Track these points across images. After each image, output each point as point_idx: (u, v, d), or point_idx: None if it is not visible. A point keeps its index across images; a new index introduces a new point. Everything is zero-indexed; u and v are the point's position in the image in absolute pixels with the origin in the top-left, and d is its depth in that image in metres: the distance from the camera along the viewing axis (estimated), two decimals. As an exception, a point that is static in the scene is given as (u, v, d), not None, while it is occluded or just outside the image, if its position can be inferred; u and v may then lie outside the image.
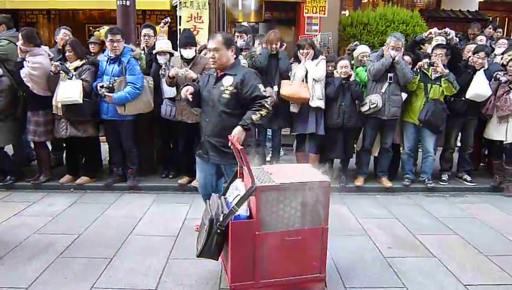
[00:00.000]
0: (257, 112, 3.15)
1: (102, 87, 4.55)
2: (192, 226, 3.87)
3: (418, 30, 7.24)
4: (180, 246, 3.60)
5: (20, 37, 4.63)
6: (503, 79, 4.98)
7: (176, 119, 4.83)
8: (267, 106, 3.18)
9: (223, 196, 3.06)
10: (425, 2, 10.62)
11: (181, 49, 4.63)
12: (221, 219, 2.70)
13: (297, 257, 2.77)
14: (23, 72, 4.59)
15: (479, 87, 4.99)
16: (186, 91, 3.34)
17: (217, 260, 2.94)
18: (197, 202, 4.63)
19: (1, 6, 7.21)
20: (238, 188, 2.94)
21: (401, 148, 5.49)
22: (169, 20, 5.66)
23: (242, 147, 2.70)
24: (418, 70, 5.00)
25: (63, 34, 5.17)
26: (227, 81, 3.24)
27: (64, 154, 5.40)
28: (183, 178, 5.10)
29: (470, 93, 5.02)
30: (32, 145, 5.33)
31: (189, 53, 4.58)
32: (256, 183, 2.63)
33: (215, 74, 3.36)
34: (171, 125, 4.97)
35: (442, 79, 4.88)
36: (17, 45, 4.71)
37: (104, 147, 5.36)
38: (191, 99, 3.36)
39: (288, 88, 4.94)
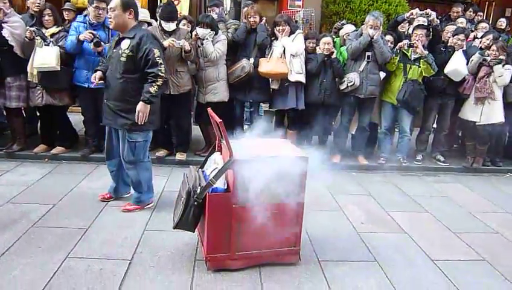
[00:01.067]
0: (153, 84, 3.26)
1: (91, 34, 4.30)
2: (170, 198, 3.87)
3: (401, 10, 7.26)
4: (156, 218, 3.60)
5: None
6: (488, 59, 5.07)
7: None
8: (161, 74, 3.26)
9: (200, 169, 3.06)
10: (409, -19, 10.58)
11: (162, 22, 4.54)
12: (198, 191, 2.70)
13: (273, 231, 2.80)
14: (5, 32, 4.40)
15: (457, 64, 5.10)
16: (95, 78, 3.40)
17: (194, 232, 2.96)
18: (174, 175, 4.64)
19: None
20: (216, 161, 2.94)
21: (378, 128, 5.57)
22: None
23: (221, 121, 2.68)
24: (398, 50, 5.04)
25: None
26: (125, 44, 3.26)
27: (39, 124, 5.26)
28: (161, 151, 5.06)
29: (448, 69, 5.12)
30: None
31: (170, 26, 4.54)
32: (234, 156, 2.63)
33: (117, 36, 3.41)
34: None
35: (421, 60, 4.93)
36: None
37: (79, 118, 5.23)
38: (101, 83, 3.43)
39: (266, 65, 4.93)
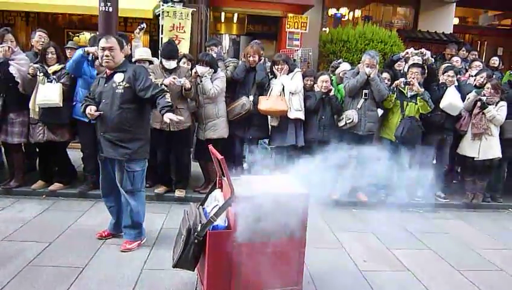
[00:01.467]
0: (164, 97, 3.35)
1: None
2: (169, 235, 3.81)
3: (396, 49, 7.47)
4: (155, 256, 3.53)
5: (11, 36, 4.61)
6: (484, 98, 5.16)
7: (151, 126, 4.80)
8: (165, 90, 3.47)
9: (201, 206, 3.03)
10: (402, 22, 10.98)
11: (163, 60, 4.65)
12: (199, 228, 2.66)
13: (274, 269, 2.75)
14: (12, 69, 4.48)
15: (451, 98, 5.20)
16: (91, 110, 3.45)
17: (193, 270, 2.90)
18: (173, 212, 4.59)
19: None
20: (216, 198, 2.92)
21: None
22: (145, 26, 5.65)
23: (222, 157, 2.69)
24: (395, 88, 5.14)
25: (38, 37, 5.04)
26: (118, 77, 3.42)
27: (38, 160, 5.25)
28: (160, 187, 5.03)
29: (443, 103, 5.20)
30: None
31: (171, 64, 4.64)
32: (235, 193, 2.62)
33: (104, 74, 3.56)
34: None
35: (418, 97, 5.02)
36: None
37: (78, 155, 5.22)
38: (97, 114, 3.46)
39: (265, 103, 4.99)
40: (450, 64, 5.75)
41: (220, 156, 2.70)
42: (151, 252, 3.61)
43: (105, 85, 3.46)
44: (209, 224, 2.64)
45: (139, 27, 5.50)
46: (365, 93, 5.00)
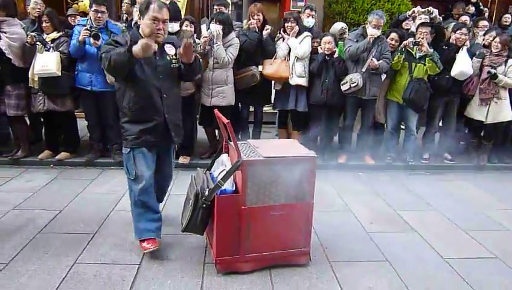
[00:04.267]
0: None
1: (88, 30, 4.34)
2: (176, 201, 3.84)
3: (404, 9, 7.23)
4: (163, 222, 3.55)
5: None
6: (493, 71, 5.00)
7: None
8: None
9: (208, 171, 3.03)
10: (410, -20, 10.57)
11: None
12: (206, 193, 2.67)
13: (282, 232, 2.78)
14: (2, 44, 4.39)
15: (463, 66, 5.02)
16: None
17: (202, 234, 2.94)
18: (180, 179, 4.59)
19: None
20: (223, 163, 2.91)
21: (384, 127, 5.53)
22: None
23: (228, 121, 2.66)
24: (403, 49, 5.00)
25: (34, 3, 4.90)
26: (171, 50, 2.93)
27: (43, 130, 5.25)
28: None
29: (454, 72, 5.05)
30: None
31: (174, 26, 4.51)
32: (242, 157, 2.61)
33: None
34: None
35: (427, 58, 4.89)
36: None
37: (82, 123, 5.21)
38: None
39: (269, 68, 4.91)
40: (460, 22, 5.55)
41: (226, 120, 2.67)
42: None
43: (157, 58, 2.85)
44: (217, 188, 2.64)
45: None
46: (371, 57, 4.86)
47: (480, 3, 7.27)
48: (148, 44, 2.55)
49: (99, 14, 4.44)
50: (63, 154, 4.95)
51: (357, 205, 4.11)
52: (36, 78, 4.51)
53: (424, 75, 4.98)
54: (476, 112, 5.26)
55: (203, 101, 4.85)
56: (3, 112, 4.78)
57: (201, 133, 5.37)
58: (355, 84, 4.84)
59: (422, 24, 5.04)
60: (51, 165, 4.89)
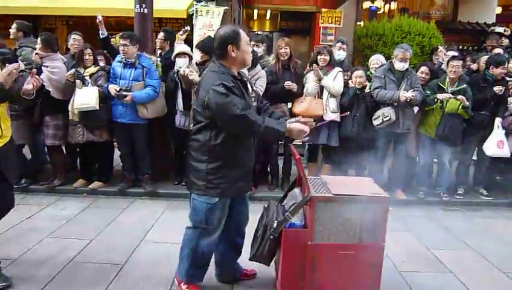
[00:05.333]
0: None
1: (120, 90, 4.61)
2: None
3: (434, 42, 7.20)
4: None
5: (38, 41, 4.70)
6: None
7: (188, 128, 4.86)
8: None
9: (279, 203, 3.03)
10: (441, 13, 10.56)
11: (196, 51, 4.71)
12: (275, 225, 2.69)
13: (349, 273, 2.70)
14: (44, 77, 4.62)
15: (494, 149, 4.96)
16: None
17: (268, 265, 2.93)
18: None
19: (22, 12, 7.35)
20: (295, 197, 2.92)
21: (416, 160, 5.41)
22: (189, 29, 5.67)
23: (299, 157, 2.69)
24: (436, 100, 4.86)
25: (72, 40, 5.19)
26: (249, 86, 2.86)
27: (78, 159, 5.44)
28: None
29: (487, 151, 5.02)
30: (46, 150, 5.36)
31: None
32: (312, 192, 2.62)
33: (245, 79, 2.84)
34: (185, 131, 4.99)
35: (459, 109, 4.76)
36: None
37: (116, 153, 5.37)
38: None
39: (300, 106, 4.90)
40: (499, 55, 5.32)
41: (297, 156, 2.73)
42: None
43: (247, 95, 2.72)
44: (285, 221, 2.65)
45: (183, 30, 5.52)
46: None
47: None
48: (304, 131, 2.59)
49: (122, 47, 4.65)
50: (96, 184, 5.09)
51: (388, 242, 3.97)
52: (76, 112, 4.72)
53: (457, 111, 4.85)
54: None
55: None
56: (42, 141, 4.99)
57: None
58: (387, 118, 4.78)
59: (454, 58, 4.98)
60: (84, 194, 5.02)
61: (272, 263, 2.97)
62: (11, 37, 5.33)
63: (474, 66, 5.71)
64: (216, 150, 2.57)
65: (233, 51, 2.55)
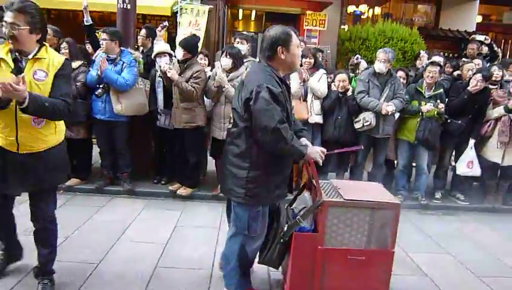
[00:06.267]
0: None
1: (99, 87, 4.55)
2: (182, 233, 3.80)
3: (416, 48, 7.32)
4: (169, 254, 3.53)
5: None
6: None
7: (170, 128, 4.81)
8: None
9: (289, 207, 2.99)
10: (424, 20, 10.77)
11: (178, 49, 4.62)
12: (285, 229, 2.66)
13: (359, 278, 2.71)
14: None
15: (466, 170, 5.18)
16: None
17: (277, 268, 2.92)
18: (188, 209, 4.58)
19: (1, 2, 7.16)
20: (305, 201, 2.90)
21: (395, 164, 5.47)
22: (167, 25, 5.61)
23: (312, 161, 2.62)
24: (413, 91, 5.00)
25: (48, 35, 5.04)
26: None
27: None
28: (175, 185, 5.03)
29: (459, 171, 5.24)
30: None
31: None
32: (323, 197, 2.61)
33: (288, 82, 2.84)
34: (166, 130, 4.94)
35: (435, 113, 4.87)
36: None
37: (95, 150, 5.27)
38: None
39: None
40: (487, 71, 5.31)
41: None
42: (164, 250, 3.61)
43: None
44: (295, 225, 2.63)
45: (161, 25, 5.46)
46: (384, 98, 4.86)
47: (494, 45, 7.31)
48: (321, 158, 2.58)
49: (102, 42, 4.62)
50: (73, 181, 4.97)
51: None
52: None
53: (435, 114, 4.92)
54: (492, 153, 5.17)
55: (214, 134, 4.79)
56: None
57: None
58: (368, 122, 4.82)
59: (432, 63, 5.06)
60: (61, 191, 4.90)
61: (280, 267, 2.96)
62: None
63: (456, 73, 5.81)
64: (258, 158, 2.50)
65: (282, 53, 2.48)
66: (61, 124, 2.76)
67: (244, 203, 2.55)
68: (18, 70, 2.43)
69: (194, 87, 4.49)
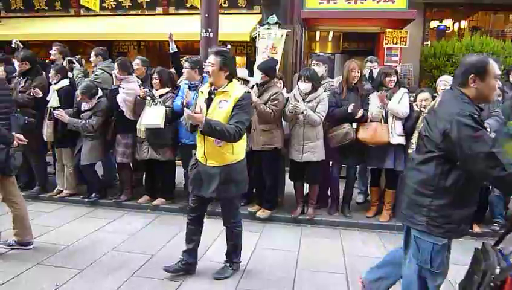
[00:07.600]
0: None
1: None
2: (261, 255, 3.80)
3: (510, 61, 6.73)
4: (248, 275, 3.55)
5: (115, 66, 5.06)
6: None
7: (248, 150, 4.90)
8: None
9: (496, 246, 2.67)
10: (517, 31, 9.90)
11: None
12: (497, 271, 2.39)
13: None
14: (119, 98, 4.95)
15: None
16: None
17: None
18: (266, 231, 4.59)
19: (99, 38, 7.97)
20: None
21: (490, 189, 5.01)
22: (230, 48, 5.80)
23: None
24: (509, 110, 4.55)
25: (136, 65, 5.47)
26: None
27: (144, 176, 5.68)
28: (255, 206, 5.08)
29: None
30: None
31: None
32: None
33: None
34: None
35: None
36: (111, 74, 5.16)
37: (179, 171, 5.53)
38: None
39: (364, 132, 4.72)
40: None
41: None
42: (244, 270, 3.65)
43: None
44: (510, 270, 2.36)
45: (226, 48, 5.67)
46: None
47: None
48: None
49: (183, 70, 4.86)
50: (159, 200, 5.27)
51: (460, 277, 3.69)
52: (143, 129, 4.96)
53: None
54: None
55: (293, 156, 4.78)
56: (114, 158, 5.31)
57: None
58: None
59: None
60: (148, 210, 5.21)
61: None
62: (91, 62, 5.78)
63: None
64: (445, 187, 2.37)
65: (474, 82, 2.36)
66: (239, 146, 3.28)
67: (428, 233, 2.42)
68: (208, 100, 3.20)
69: (272, 109, 4.56)
